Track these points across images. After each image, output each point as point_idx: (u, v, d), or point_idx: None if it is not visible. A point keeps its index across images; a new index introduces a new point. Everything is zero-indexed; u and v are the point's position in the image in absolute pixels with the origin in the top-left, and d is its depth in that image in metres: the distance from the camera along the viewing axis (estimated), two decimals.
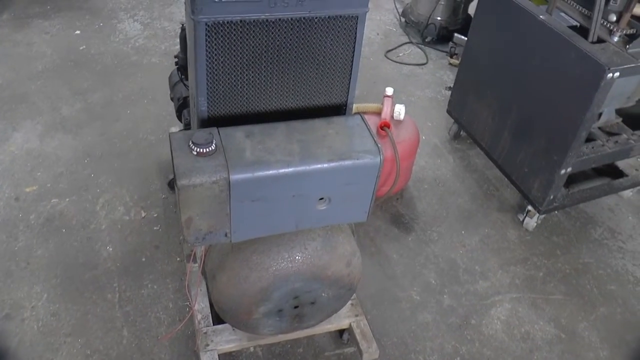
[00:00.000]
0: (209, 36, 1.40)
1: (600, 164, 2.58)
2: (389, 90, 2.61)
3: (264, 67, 1.51)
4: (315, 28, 1.47)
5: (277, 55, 1.50)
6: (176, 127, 2.76)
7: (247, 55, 1.48)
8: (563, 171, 2.37)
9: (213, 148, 1.39)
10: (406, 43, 4.01)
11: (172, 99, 2.35)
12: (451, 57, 3.81)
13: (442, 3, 3.88)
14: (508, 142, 2.66)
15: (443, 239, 2.61)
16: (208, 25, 1.38)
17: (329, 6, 1.44)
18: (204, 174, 1.35)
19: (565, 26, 2.30)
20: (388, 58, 3.83)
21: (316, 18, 1.46)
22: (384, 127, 2.50)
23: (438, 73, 3.74)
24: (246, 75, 1.51)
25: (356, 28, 1.52)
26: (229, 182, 1.36)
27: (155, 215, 2.54)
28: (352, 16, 1.49)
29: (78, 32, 3.71)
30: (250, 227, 1.52)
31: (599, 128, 2.60)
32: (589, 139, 2.47)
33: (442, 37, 3.95)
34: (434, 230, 2.65)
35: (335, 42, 1.52)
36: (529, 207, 2.60)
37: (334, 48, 1.54)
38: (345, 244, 1.75)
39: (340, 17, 1.48)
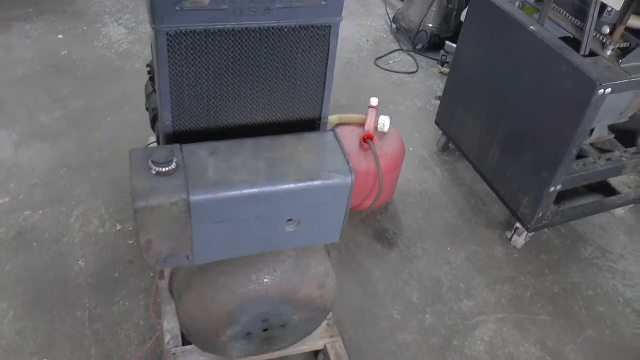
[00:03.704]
0: (171, 47, 1.32)
1: (591, 181, 2.50)
2: (374, 101, 2.54)
3: (232, 79, 1.44)
4: (285, 38, 1.40)
5: (245, 67, 1.42)
6: (155, 137, 2.67)
7: (213, 67, 1.40)
8: (552, 189, 2.30)
9: (174, 167, 1.31)
10: (397, 50, 3.93)
11: (147, 109, 2.27)
12: (442, 65, 3.74)
13: (434, 10, 3.81)
14: (497, 156, 2.58)
15: (428, 255, 2.53)
16: (170, 35, 1.30)
17: (299, 15, 1.37)
18: (163, 195, 1.27)
19: (556, 38, 2.23)
20: (377, 66, 3.76)
21: (286, 28, 1.38)
22: (367, 139, 2.42)
23: (428, 82, 3.67)
24: (213, 88, 1.44)
25: (329, 39, 1.44)
26: (189, 203, 1.28)
27: (130, 228, 2.46)
28: (324, 26, 1.41)
29: (61, 36, 3.63)
30: (214, 250, 1.44)
31: (591, 144, 2.53)
32: (580, 155, 2.39)
33: (433, 45, 3.88)
34: (419, 246, 2.57)
35: (307, 53, 1.45)
36: (518, 225, 2.52)
37: (306, 60, 1.46)
38: (318, 266, 1.67)
39: (312, 27, 1.40)
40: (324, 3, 1.36)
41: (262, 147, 1.41)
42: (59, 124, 2.97)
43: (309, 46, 1.43)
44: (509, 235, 2.60)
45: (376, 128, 2.51)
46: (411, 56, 3.88)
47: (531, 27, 2.27)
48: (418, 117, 3.34)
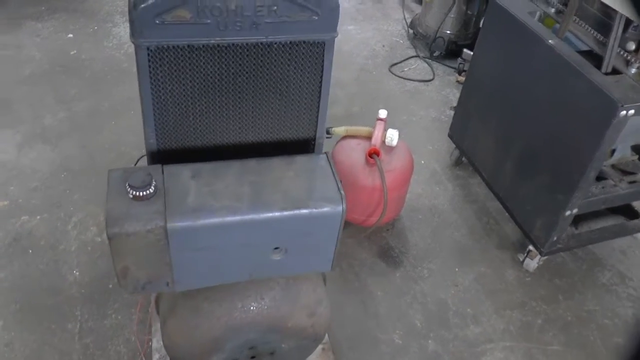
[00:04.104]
0: (152, 62, 1.24)
1: (611, 205, 2.35)
2: (382, 113, 2.43)
3: (218, 97, 1.35)
4: (274, 55, 1.31)
5: (232, 85, 1.34)
6: None
7: (197, 84, 1.31)
8: (568, 212, 2.17)
9: (152, 191, 1.23)
10: (413, 57, 3.81)
11: None
12: (459, 74, 3.61)
13: (452, 16, 3.68)
14: (510, 174, 2.46)
15: (434, 276, 2.42)
16: (150, 50, 1.22)
17: (289, 31, 1.28)
18: (138, 222, 1.19)
19: (575, 53, 2.09)
20: (392, 72, 3.64)
21: (275, 44, 1.29)
22: (373, 154, 2.32)
23: (444, 91, 3.54)
24: (198, 105, 1.35)
25: (323, 56, 1.35)
26: (166, 230, 1.20)
27: None
28: (317, 42, 1.32)
29: (71, 35, 3.60)
30: (195, 277, 1.36)
31: (612, 165, 2.38)
32: (600, 177, 2.25)
33: (450, 52, 3.75)
34: (425, 266, 2.46)
35: (299, 71, 1.35)
36: (530, 247, 2.40)
37: (298, 77, 1.37)
38: (309, 293, 1.58)
39: (304, 43, 1.31)
40: (316, 18, 1.26)
41: (248, 171, 1.33)
42: (63, 125, 2.93)
43: (301, 63, 1.34)
44: (520, 257, 2.48)
45: (384, 142, 2.41)
46: (427, 63, 3.76)
47: (549, 41, 2.14)
48: (431, 128, 3.22)
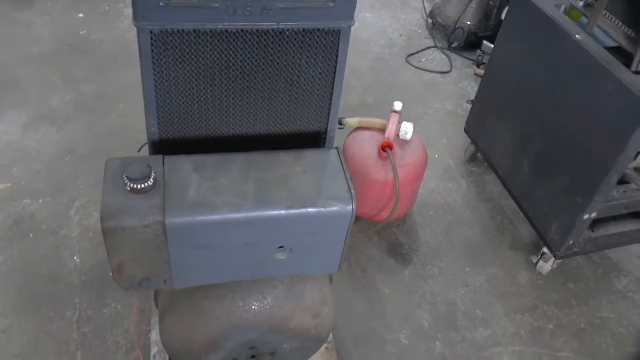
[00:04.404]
0: (155, 47, 1.17)
1: (633, 210, 2.25)
2: (398, 105, 2.34)
3: (225, 85, 1.28)
4: (286, 43, 1.23)
5: (240, 73, 1.26)
6: None
7: (203, 71, 1.24)
8: (587, 216, 2.08)
9: (151, 183, 1.16)
10: (431, 47, 3.70)
11: None
12: (478, 66, 3.51)
13: (474, 6, 3.56)
14: (527, 174, 2.37)
15: (444, 275, 2.35)
16: (154, 34, 1.15)
17: (303, 17, 1.19)
18: (135, 216, 1.13)
19: (604, 50, 1.99)
20: (409, 63, 3.54)
21: (287, 31, 1.21)
22: (386, 148, 2.24)
23: (462, 84, 3.44)
24: (203, 94, 1.28)
25: (338, 45, 1.27)
26: (164, 226, 1.14)
27: None
28: (332, 31, 1.24)
29: (81, 15, 3.53)
30: (195, 275, 1.30)
31: (635, 169, 2.28)
32: (622, 181, 2.15)
33: (470, 44, 3.64)
34: (435, 264, 2.38)
35: (312, 60, 1.28)
36: (545, 250, 2.31)
37: (310, 67, 1.29)
38: (314, 293, 1.51)
39: (318, 31, 1.23)
40: (332, 5, 1.18)
41: (253, 165, 1.25)
42: (70, 107, 2.87)
43: (314, 52, 1.26)
44: (534, 260, 2.39)
45: (398, 135, 2.32)
46: (445, 55, 3.65)
47: (576, 36, 2.04)
48: (447, 122, 3.13)
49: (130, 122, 2.81)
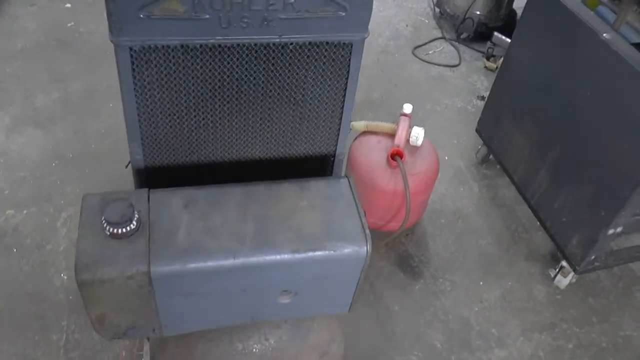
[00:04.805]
0: (137, 65, 1.01)
1: None
2: (407, 108, 2.17)
3: (219, 107, 1.12)
4: (289, 58, 1.07)
5: (235, 93, 1.10)
6: None
7: (193, 91, 1.08)
8: (611, 231, 1.93)
9: (134, 226, 1.00)
10: (438, 39, 3.52)
11: None
12: (488, 59, 3.32)
13: None
14: (545, 182, 2.21)
15: (457, 290, 2.20)
16: (134, 51, 0.98)
17: (309, 29, 1.03)
18: (115, 266, 0.97)
19: (635, 51, 1.82)
20: (415, 55, 3.36)
21: (291, 45, 1.05)
22: (396, 156, 2.08)
23: (471, 78, 3.26)
24: (194, 116, 1.12)
25: (350, 59, 1.10)
26: (149, 276, 0.98)
27: None
28: (343, 44, 1.07)
29: (68, 5, 3.32)
30: (187, 322, 1.15)
31: None
32: None
33: (479, 35, 3.45)
34: (447, 278, 2.24)
35: (320, 76, 1.11)
36: (564, 263, 2.17)
37: (318, 84, 1.13)
38: (321, 330, 1.37)
39: (327, 44, 1.06)
40: (342, 14, 1.01)
41: (252, 199, 1.10)
42: (56, 107, 2.70)
43: (322, 68, 1.10)
44: (552, 273, 2.25)
45: (408, 141, 2.16)
46: (454, 46, 3.46)
47: (604, 35, 1.86)
48: (457, 120, 2.96)
49: (121, 123, 2.59)
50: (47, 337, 1.90)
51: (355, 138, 2.24)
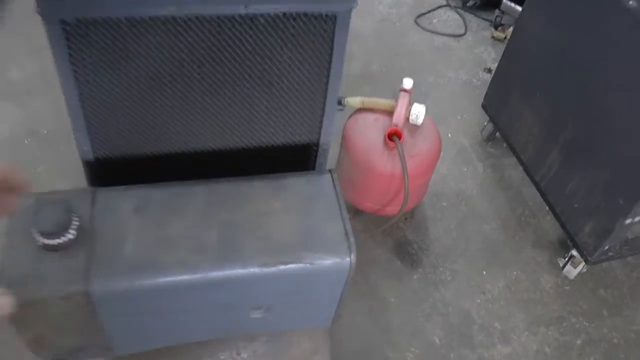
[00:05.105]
0: (74, 42, 0.83)
1: None
2: (407, 83, 1.98)
3: (177, 89, 0.94)
4: (260, 33, 0.89)
5: (197, 73, 0.92)
6: None
7: (144, 71, 0.90)
8: (629, 220, 1.76)
9: (71, 236, 0.84)
10: (443, 6, 3.29)
11: None
12: (496, 28, 3.10)
13: None
14: (557, 164, 2.03)
15: (458, 280, 2.05)
16: (69, 25, 0.81)
17: None
18: (46, 285, 0.82)
19: None
20: (418, 24, 3.14)
21: (261, 17, 0.87)
22: (394, 136, 1.90)
23: (477, 48, 3.04)
24: (148, 101, 0.95)
25: (333, 34, 0.92)
26: (88, 296, 0.83)
27: None
28: (325, 16, 0.89)
29: None
30: (144, 340, 1.00)
31: None
32: None
33: (487, 2, 3.22)
34: (448, 267, 2.09)
35: (298, 55, 0.94)
36: (574, 252, 2.01)
37: (295, 64, 0.95)
38: (301, 342, 1.22)
39: (305, 16, 0.88)
40: None
41: (217, 201, 0.93)
42: (33, 80, 2.51)
43: (301, 45, 0.92)
44: (560, 263, 2.09)
45: (407, 119, 1.98)
46: (459, 14, 3.23)
47: (630, 2, 1.66)
48: (461, 94, 2.76)
49: None
50: None
51: (351, 115, 2.06)
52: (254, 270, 0.87)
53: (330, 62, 0.97)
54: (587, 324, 1.98)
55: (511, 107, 2.27)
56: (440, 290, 2.02)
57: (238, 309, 0.96)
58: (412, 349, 1.86)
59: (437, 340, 1.89)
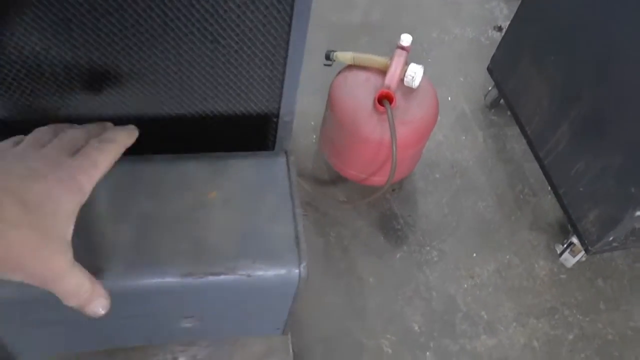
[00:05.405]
0: None
1: None
2: (405, 39, 1.75)
3: (97, 42, 0.72)
4: None
5: (120, 23, 0.70)
6: None
7: (52, 18, 0.68)
8: (639, 212, 1.57)
9: None
10: None
11: None
12: None
13: None
14: (565, 140, 1.83)
15: (445, 261, 1.89)
16: None
17: None
18: None
19: None
20: None
21: None
22: (384, 100, 1.69)
23: (489, 4, 2.78)
24: (61, 53, 0.73)
25: None
26: None
27: None
28: None
29: None
30: (53, 347, 0.82)
31: None
32: None
33: None
34: (435, 246, 1.92)
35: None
36: (574, 240, 1.83)
37: (246, 13, 0.73)
38: (252, 343, 1.05)
39: None
40: None
41: (137, 187, 0.73)
42: None
43: None
44: (558, 249, 1.92)
45: (402, 80, 1.76)
46: None
47: None
48: (466, 53, 2.52)
49: None
50: None
51: (339, 72, 1.84)
52: (175, 280, 0.67)
53: (292, 11, 0.75)
54: (581, 317, 1.83)
55: (520, 72, 2.04)
56: (425, 272, 1.85)
57: (162, 319, 0.78)
58: (388, 336, 1.71)
59: (417, 328, 1.74)
